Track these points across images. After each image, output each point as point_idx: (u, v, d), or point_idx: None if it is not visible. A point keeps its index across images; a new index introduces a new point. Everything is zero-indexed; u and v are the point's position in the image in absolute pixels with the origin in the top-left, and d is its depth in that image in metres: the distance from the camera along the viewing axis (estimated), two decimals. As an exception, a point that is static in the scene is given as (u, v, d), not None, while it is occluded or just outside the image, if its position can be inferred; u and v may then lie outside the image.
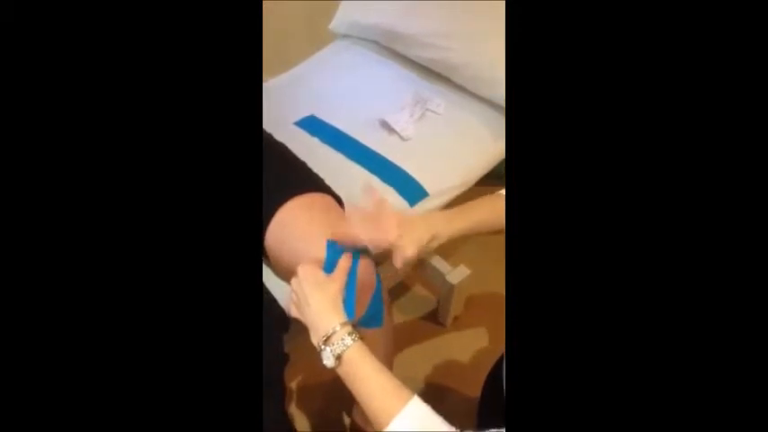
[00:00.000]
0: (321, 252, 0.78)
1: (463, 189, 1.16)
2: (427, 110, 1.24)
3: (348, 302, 0.75)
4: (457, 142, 1.20)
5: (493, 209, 0.79)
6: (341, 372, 0.65)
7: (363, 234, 0.74)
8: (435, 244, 0.76)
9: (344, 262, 0.74)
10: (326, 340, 0.65)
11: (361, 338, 0.66)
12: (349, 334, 0.64)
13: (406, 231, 0.73)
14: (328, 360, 0.65)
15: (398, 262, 0.74)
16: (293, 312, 0.72)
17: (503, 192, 0.81)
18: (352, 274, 0.75)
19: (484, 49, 1.22)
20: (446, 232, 0.76)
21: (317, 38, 1.53)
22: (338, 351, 0.64)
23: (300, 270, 0.71)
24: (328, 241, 0.78)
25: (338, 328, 0.65)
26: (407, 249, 0.72)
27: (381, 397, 0.61)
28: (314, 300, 0.68)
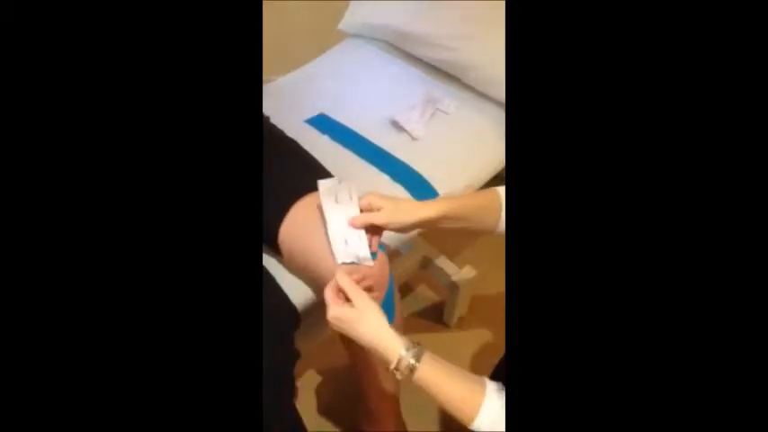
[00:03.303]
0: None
1: (473, 189, 1.16)
2: (437, 110, 1.25)
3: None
4: (467, 142, 1.20)
5: (482, 201, 0.81)
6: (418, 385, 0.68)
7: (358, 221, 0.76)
8: (420, 218, 0.77)
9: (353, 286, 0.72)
10: (396, 368, 0.68)
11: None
12: (413, 356, 0.67)
13: (393, 209, 0.76)
14: (401, 377, 0.68)
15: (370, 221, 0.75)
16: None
17: (497, 188, 0.82)
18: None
19: (494, 50, 1.22)
20: (432, 210, 0.77)
21: (326, 37, 1.53)
22: (407, 374, 0.67)
23: (330, 312, 0.70)
24: None
25: (403, 353, 0.67)
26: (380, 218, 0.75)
27: (458, 400, 0.66)
28: (365, 333, 0.69)
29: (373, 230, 0.78)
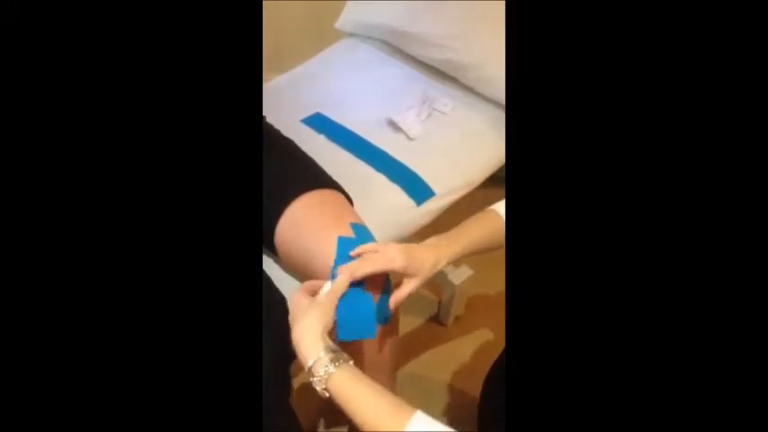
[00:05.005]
0: (332, 249, 0.78)
1: (469, 189, 1.16)
2: (434, 110, 1.25)
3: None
4: (463, 142, 1.20)
5: (486, 226, 0.80)
6: (335, 399, 0.62)
7: (370, 266, 0.73)
8: (438, 269, 0.75)
9: (339, 284, 0.70)
10: (310, 370, 0.62)
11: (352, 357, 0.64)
12: (332, 361, 0.61)
13: (409, 260, 0.72)
14: (319, 389, 0.63)
15: (400, 296, 0.74)
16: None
17: (494, 207, 0.82)
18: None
19: (491, 50, 1.22)
20: (447, 256, 0.76)
21: (322, 36, 1.53)
22: (323, 380, 0.61)
23: (291, 296, 0.69)
24: (339, 238, 0.78)
25: (321, 355, 0.62)
26: (410, 284, 0.74)
27: (378, 420, 0.57)
28: (297, 329, 0.65)
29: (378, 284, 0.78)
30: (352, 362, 0.63)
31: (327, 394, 0.62)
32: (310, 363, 0.62)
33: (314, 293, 0.71)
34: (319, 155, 1.01)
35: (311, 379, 0.62)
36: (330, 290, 0.70)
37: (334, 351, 0.63)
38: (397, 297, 0.75)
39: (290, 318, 0.68)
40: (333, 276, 0.74)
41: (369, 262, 0.73)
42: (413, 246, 0.75)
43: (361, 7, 1.44)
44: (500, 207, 0.81)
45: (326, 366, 0.61)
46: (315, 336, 0.64)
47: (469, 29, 1.27)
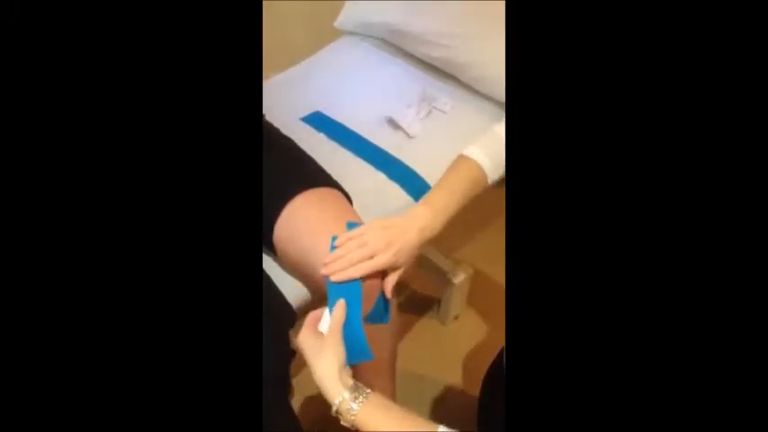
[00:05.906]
0: (328, 248, 0.78)
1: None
2: (434, 108, 1.25)
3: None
4: (463, 141, 1.19)
5: (468, 180, 0.83)
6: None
7: (356, 273, 0.75)
8: (426, 240, 0.78)
9: (338, 315, 0.72)
10: (337, 411, 0.66)
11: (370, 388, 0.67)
12: (355, 399, 0.65)
13: (398, 245, 0.75)
14: (348, 425, 0.66)
15: (389, 285, 0.78)
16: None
17: (469, 154, 0.83)
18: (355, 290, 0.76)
19: (491, 49, 1.22)
20: (434, 229, 0.79)
21: (322, 34, 1.53)
22: (350, 420, 0.65)
23: (299, 337, 0.71)
24: (334, 237, 0.78)
25: (346, 395, 0.65)
26: (397, 273, 0.78)
27: None
28: (317, 370, 0.68)
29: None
30: (371, 393, 0.66)
31: (356, 429, 0.66)
32: (336, 403, 0.65)
33: (316, 323, 0.73)
34: (318, 153, 1.01)
35: (337, 415, 0.66)
36: (333, 323, 0.71)
37: (355, 390, 0.66)
38: (386, 286, 0.79)
39: (306, 358, 0.69)
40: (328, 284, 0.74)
41: (354, 268, 0.75)
42: (398, 231, 0.77)
43: (361, 6, 1.44)
44: (473, 152, 0.83)
45: (351, 407, 0.64)
46: (334, 377, 0.66)
47: (469, 27, 1.27)
